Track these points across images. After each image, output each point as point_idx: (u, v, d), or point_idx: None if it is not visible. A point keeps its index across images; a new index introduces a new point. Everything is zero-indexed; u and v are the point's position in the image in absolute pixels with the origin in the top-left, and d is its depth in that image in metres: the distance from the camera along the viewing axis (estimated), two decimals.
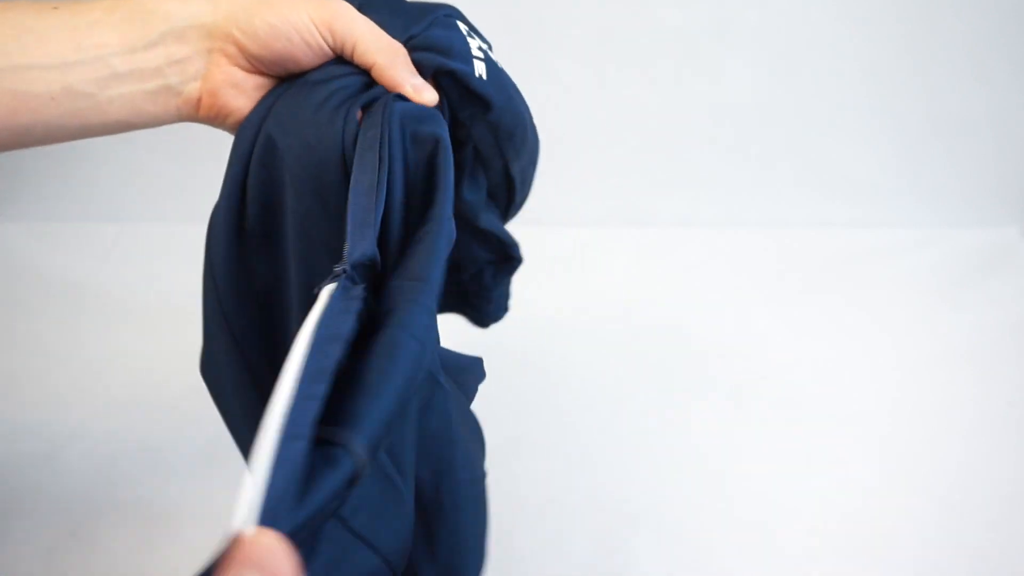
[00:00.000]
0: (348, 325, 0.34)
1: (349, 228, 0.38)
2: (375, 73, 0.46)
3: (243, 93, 0.46)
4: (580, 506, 0.80)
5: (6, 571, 0.72)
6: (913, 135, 1.19)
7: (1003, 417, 0.91)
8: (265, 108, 0.45)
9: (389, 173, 0.41)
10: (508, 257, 0.56)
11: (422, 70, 0.47)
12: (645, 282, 1.11)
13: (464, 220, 0.55)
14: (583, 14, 1.11)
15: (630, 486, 0.82)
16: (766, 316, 1.05)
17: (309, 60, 0.45)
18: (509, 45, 1.16)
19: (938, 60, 1.14)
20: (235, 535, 0.26)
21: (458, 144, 0.51)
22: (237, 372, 0.48)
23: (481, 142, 0.51)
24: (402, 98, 0.45)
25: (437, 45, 0.47)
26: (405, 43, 0.48)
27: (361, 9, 0.47)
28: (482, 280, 0.57)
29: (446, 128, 0.45)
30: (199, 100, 0.45)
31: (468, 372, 0.57)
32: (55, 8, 0.43)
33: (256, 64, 0.45)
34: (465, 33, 0.49)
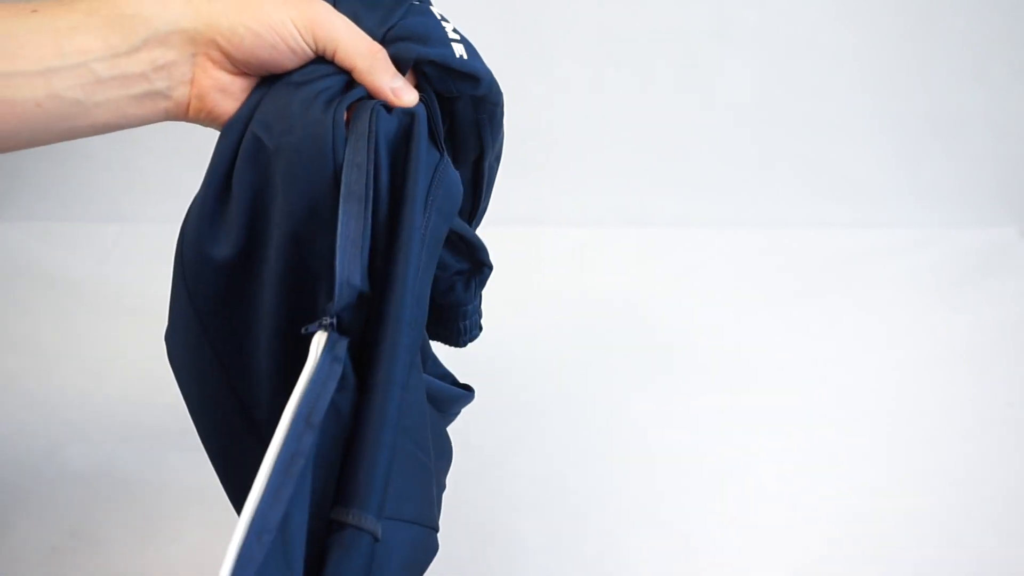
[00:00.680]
0: (325, 402, 0.37)
1: (339, 255, 0.41)
2: (355, 76, 0.46)
3: (231, 96, 0.46)
4: (580, 506, 0.80)
5: (6, 571, 0.72)
6: (913, 135, 1.19)
7: (1002, 417, 0.91)
8: (250, 109, 0.46)
9: (375, 200, 0.43)
10: (478, 263, 0.56)
11: (402, 62, 0.48)
12: (645, 282, 1.11)
13: None
14: (583, 14, 1.11)
15: (629, 486, 0.82)
16: (766, 316, 1.05)
17: (293, 64, 0.46)
18: (509, 45, 1.17)
19: (938, 60, 1.14)
20: None
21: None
22: (195, 353, 0.49)
23: (462, 120, 0.52)
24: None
25: (415, 34, 0.48)
26: (384, 35, 0.48)
27: (337, 4, 0.48)
28: (454, 294, 0.56)
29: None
30: (188, 104, 0.46)
31: (457, 403, 0.58)
32: (34, 11, 0.42)
33: (242, 68, 0.45)
34: (439, 17, 0.50)
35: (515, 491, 0.81)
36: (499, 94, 0.52)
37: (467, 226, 0.55)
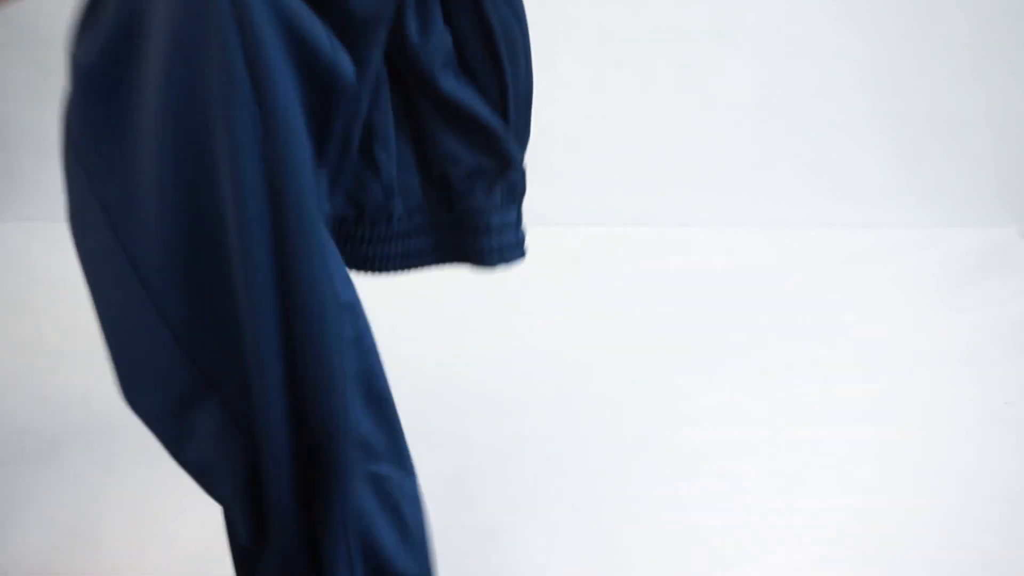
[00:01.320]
0: None
1: None
2: None
3: None
4: (580, 506, 0.80)
5: (6, 571, 0.72)
6: (913, 135, 1.19)
7: (1001, 415, 0.91)
8: None
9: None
10: (503, 160, 0.46)
11: None
12: (645, 282, 1.11)
13: (420, 80, 0.45)
14: (583, 14, 1.11)
15: (629, 485, 0.82)
16: (766, 316, 1.05)
17: None
18: None
19: (938, 60, 1.14)
20: None
21: None
22: (84, 203, 0.44)
23: None
24: None
25: None
26: None
27: None
28: (473, 198, 0.46)
29: None
30: None
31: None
32: None
33: None
34: None
35: (515, 491, 0.81)
36: None
37: (486, 108, 0.46)
